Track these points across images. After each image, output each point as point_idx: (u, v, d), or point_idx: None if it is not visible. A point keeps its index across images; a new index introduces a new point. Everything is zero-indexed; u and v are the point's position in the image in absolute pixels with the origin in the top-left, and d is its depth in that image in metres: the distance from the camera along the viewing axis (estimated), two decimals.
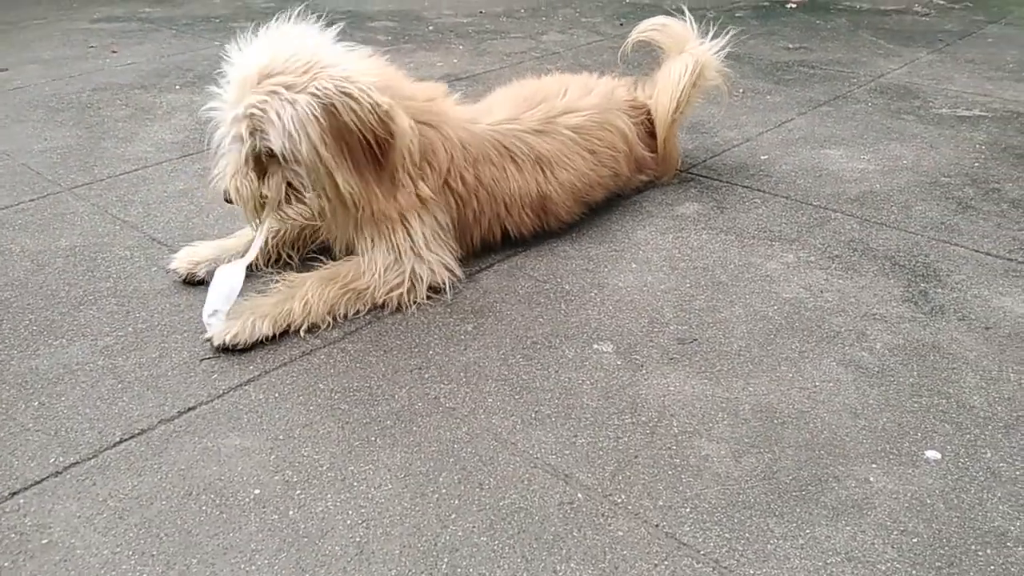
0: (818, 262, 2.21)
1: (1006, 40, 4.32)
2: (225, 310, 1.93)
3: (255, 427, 1.67)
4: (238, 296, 1.97)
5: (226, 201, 1.99)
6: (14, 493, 1.52)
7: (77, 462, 1.58)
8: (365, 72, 1.89)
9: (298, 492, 1.50)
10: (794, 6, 5.17)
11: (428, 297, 2.07)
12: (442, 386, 1.77)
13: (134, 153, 3.09)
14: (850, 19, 4.90)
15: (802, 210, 2.51)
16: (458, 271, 2.12)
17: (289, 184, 1.95)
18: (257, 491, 1.51)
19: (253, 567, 1.35)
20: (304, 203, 1.97)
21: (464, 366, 1.84)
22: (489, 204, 2.19)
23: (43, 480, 1.54)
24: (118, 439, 1.64)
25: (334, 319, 1.99)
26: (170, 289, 2.16)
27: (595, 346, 1.89)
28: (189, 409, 1.73)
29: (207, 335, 1.89)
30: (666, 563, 1.34)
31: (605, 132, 2.42)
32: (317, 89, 1.80)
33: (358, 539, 1.40)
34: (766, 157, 2.91)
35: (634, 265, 2.23)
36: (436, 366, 1.84)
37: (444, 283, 2.08)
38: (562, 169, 2.31)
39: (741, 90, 3.46)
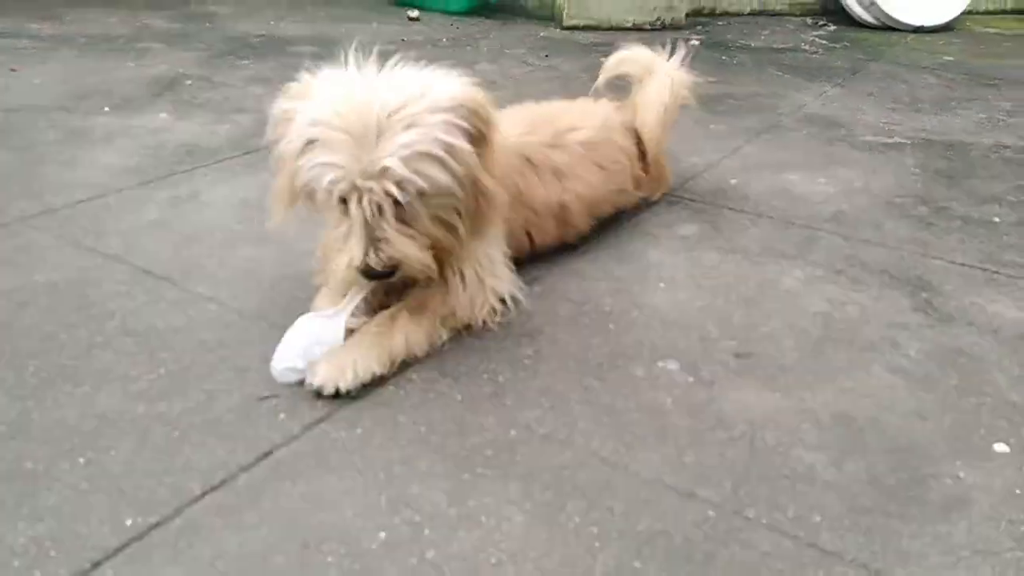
0: (826, 277, 2.36)
1: (890, 76, 4.80)
2: (302, 367, 1.78)
3: (349, 467, 1.56)
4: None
5: (377, 276, 1.77)
6: (96, 564, 1.34)
7: (159, 523, 1.42)
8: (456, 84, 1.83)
9: (427, 532, 1.42)
10: (696, 43, 5.50)
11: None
12: (527, 413, 1.73)
13: (83, 180, 2.81)
14: (751, 56, 5.27)
15: (790, 229, 2.67)
16: (521, 286, 2.09)
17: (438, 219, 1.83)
18: (383, 535, 1.41)
19: None
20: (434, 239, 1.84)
21: (541, 391, 1.81)
22: (521, 215, 2.19)
23: (125, 546, 1.37)
24: (198, 493, 1.48)
25: (432, 347, 1.92)
26: (189, 325, 1.99)
27: (659, 365, 1.92)
28: (266, 454, 1.59)
29: (315, 384, 1.73)
30: (820, 572, 1.38)
31: (610, 148, 2.48)
32: (450, 106, 1.73)
33: None
34: (735, 181, 3.07)
35: (661, 284, 2.28)
36: (513, 392, 1.80)
37: (516, 302, 2.04)
38: (577, 181, 2.34)
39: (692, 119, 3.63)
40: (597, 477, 1.56)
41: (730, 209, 2.81)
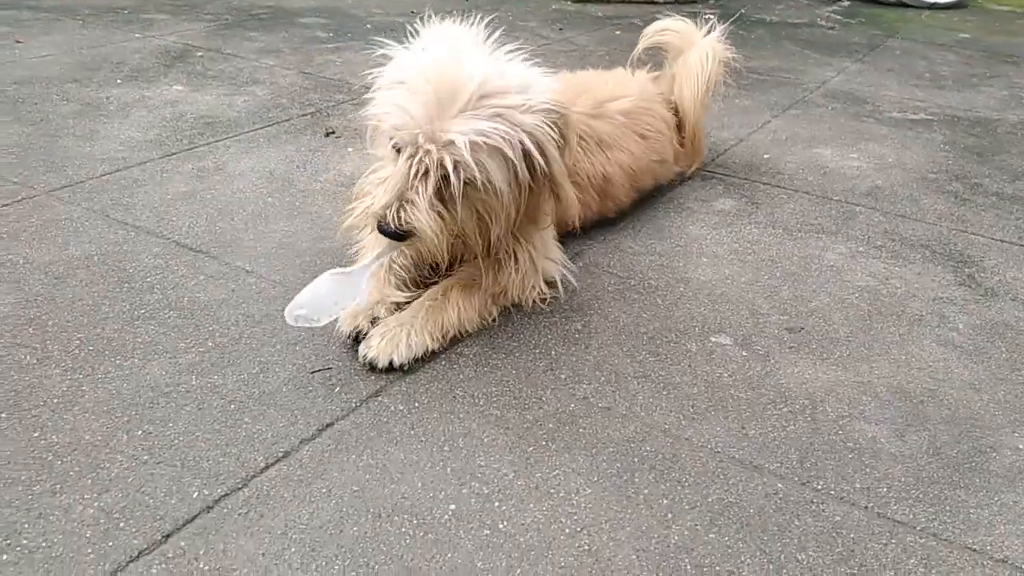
0: (868, 252, 2.34)
1: (908, 53, 4.77)
2: (315, 318, 1.74)
3: (412, 439, 1.54)
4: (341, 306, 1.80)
5: (388, 234, 1.68)
6: (167, 536, 1.32)
7: (227, 494, 1.40)
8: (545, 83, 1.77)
9: (497, 504, 1.41)
10: (711, 17, 5.43)
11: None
12: (584, 386, 1.72)
13: (104, 152, 2.76)
14: (768, 30, 5.23)
15: (827, 204, 2.65)
16: (571, 267, 2.06)
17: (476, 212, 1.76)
18: (453, 507, 1.40)
19: None
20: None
21: (595, 365, 1.79)
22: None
23: (196, 518, 1.35)
24: (263, 465, 1.46)
25: (483, 324, 1.89)
26: (232, 299, 1.95)
27: (712, 339, 1.90)
28: (327, 426, 1.57)
29: (366, 356, 1.71)
30: (893, 542, 1.37)
31: (651, 118, 2.45)
32: (546, 110, 1.69)
33: (587, 547, 1.33)
34: (768, 156, 3.05)
35: (704, 260, 2.26)
36: (567, 366, 1.78)
37: (566, 280, 2.01)
38: (619, 151, 2.31)
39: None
40: (662, 449, 1.55)
41: (765, 184, 2.79)
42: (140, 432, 1.53)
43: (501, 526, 1.36)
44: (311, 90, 3.54)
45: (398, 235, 1.67)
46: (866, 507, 1.44)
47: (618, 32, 4.96)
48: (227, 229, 2.30)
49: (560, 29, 4.97)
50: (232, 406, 1.60)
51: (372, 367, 1.71)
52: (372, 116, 1.73)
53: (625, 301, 2.04)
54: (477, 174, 1.62)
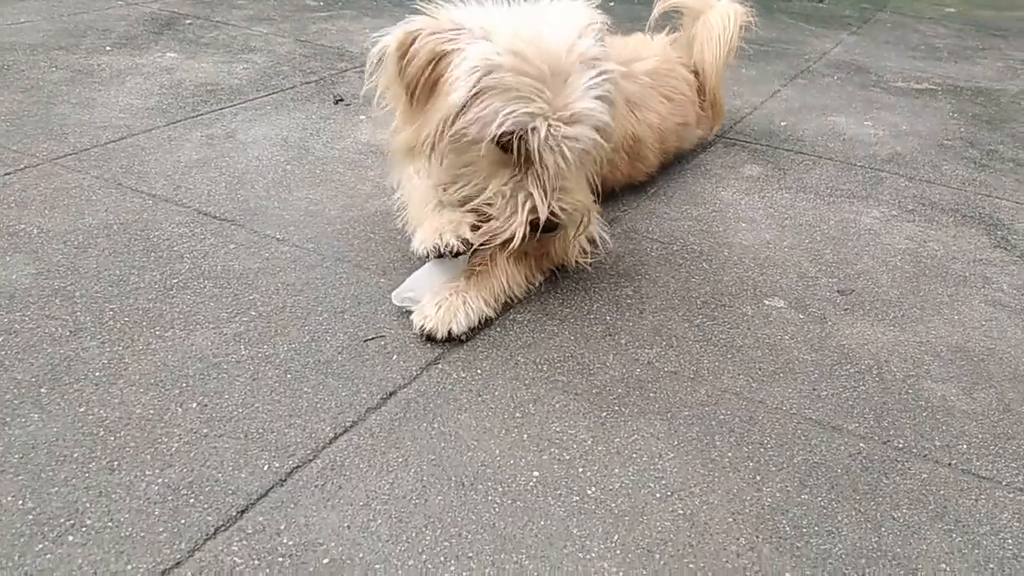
0: (901, 216, 2.33)
1: (900, 26, 4.79)
2: (418, 299, 1.70)
3: (480, 406, 1.48)
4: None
5: (547, 230, 1.64)
6: (243, 511, 1.24)
7: (299, 466, 1.32)
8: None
9: (580, 470, 1.36)
10: None
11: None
12: (647, 351, 1.67)
13: (105, 120, 2.62)
14: (759, 3, 5.18)
15: (852, 170, 2.63)
16: (607, 228, 2.01)
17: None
18: (536, 474, 1.34)
19: (592, 555, 1.20)
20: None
21: (654, 330, 1.74)
22: None
23: (270, 491, 1.27)
24: (332, 435, 1.39)
25: (529, 288, 1.83)
26: (268, 267, 1.87)
27: (766, 302, 1.87)
28: (391, 394, 1.50)
29: (423, 327, 1.64)
30: (983, 498, 1.36)
31: (674, 80, 2.41)
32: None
33: (682, 511, 1.29)
34: (784, 123, 3.03)
35: (743, 224, 2.23)
36: (625, 332, 1.73)
37: (603, 240, 1.96)
38: (647, 111, 2.26)
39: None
40: (737, 412, 1.51)
41: (788, 151, 2.76)
42: (195, 404, 1.44)
43: (590, 492, 1.31)
44: (311, 58, 3.42)
45: (554, 227, 1.64)
46: (950, 464, 1.42)
47: (612, 3, 4.89)
48: (249, 197, 2.20)
49: None
50: (288, 376, 1.53)
51: (430, 338, 1.64)
52: (461, 128, 1.58)
53: (671, 266, 2.00)
54: (604, 144, 1.59)
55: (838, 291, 1.93)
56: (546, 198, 1.60)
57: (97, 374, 1.50)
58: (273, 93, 2.98)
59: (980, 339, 1.78)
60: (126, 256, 1.87)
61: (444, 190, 1.74)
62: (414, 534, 1.22)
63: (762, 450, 1.43)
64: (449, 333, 1.63)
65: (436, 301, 1.67)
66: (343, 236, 2.03)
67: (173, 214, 2.07)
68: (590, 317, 1.77)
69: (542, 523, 1.25)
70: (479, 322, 1.69)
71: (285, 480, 1.30)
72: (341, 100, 2.94)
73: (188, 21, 3.84)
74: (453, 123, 1.59)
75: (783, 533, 1.26)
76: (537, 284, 1.84)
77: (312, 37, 3.73)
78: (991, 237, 2.24)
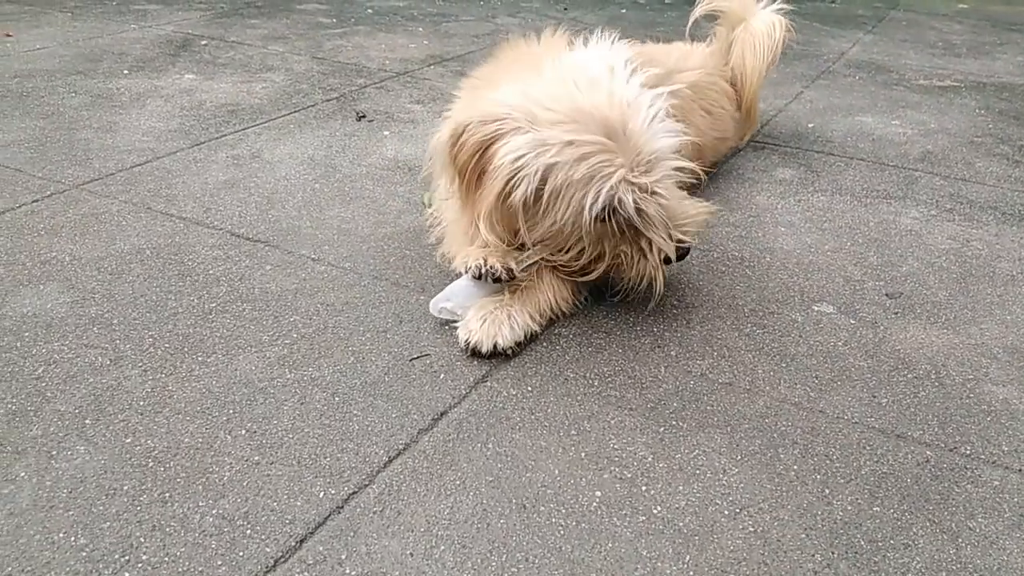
0: (940, 215, 2.29)
1: (915, 24, 4.76)
2: (458, 311, 1.69)
3: (534, 424, 1.45)
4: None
5: (681, 257, 1.71)
6: (302, 540, 1.21)
7: (355, 492, 1.29)
8: None
9: (644, 488, 1.32)
10: None
11: None
12: (698, 362, 1.63)
13: (128, 144, 2.61)
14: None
15: (885, 171, 2.59)
16: None
17: None
18: (599, 493, 1.30)
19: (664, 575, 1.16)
20: None
21: (703, 340, 1.71)
22: None
23: (327, 519, 1.24)
24: (386, 459, 1.36)
25: (575, 304, 1.79)
26: (306, 288, 1.84)
27: (815, 308, 1.83)
28: (442, 414, 1.47)
29: (468, 341, 1.61)
30: None
31: (715, 93, 2.37)
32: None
33: (752, 529, 1.25)
34: (812, 125, 2.99)
35: (782, 229, 2.19)
36: (674, 343, 1.69)
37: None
38: (688, 127, 2.22)
39: None
40: (798, 423, 1.47)
41: (818, 152, 2.73)
42: (243, 431, 1.41)
43: (655, 511, 1.27)
44: (329, 75, 3.41)
45: (688, 249, 1.69)
46: (1020, 470, 1.38)
47: (624, 11, 4.88)
48: (281, 217, 2.17)
49: (564, 9, 4.88)
50: (336, 399, 1.49)
51: (475, 352, 1.61)
52: (563, 219, 1.61)
53: (713, 274, 1.96)
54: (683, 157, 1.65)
55: (886, 294, 1.89)
56: (667, 235, 1.63)
57: (141, 403, 1.47)
58: (295, 111, 2.97)
59: None
60: (161, 281, 1.85)
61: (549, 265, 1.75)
62: (480, 560, 1.18)
63: (828, 462, 1.39)
64: (495, 347, 1.60)
65: (481, 315, 1.64)
66: (378, 254, 2.00)
67: (205, 237, 2.05)
68: (636, 329, 1.74)
69: (610, 545, 1.21)
70: (525, 337, 1.66)
71: (342, 507, 1.26)
72: (364, 116, 2.92)
73: (203, 42, 3.84)
74: (523, 211, 1.62)
75: (858, 548, 1.22)
76: (583, 300, 1.80)
77: (328, 54, 3.72)
78: None
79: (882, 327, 1.77)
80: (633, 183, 1.56)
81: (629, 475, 1.34)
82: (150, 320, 1.71)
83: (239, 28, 4.14)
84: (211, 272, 1.89)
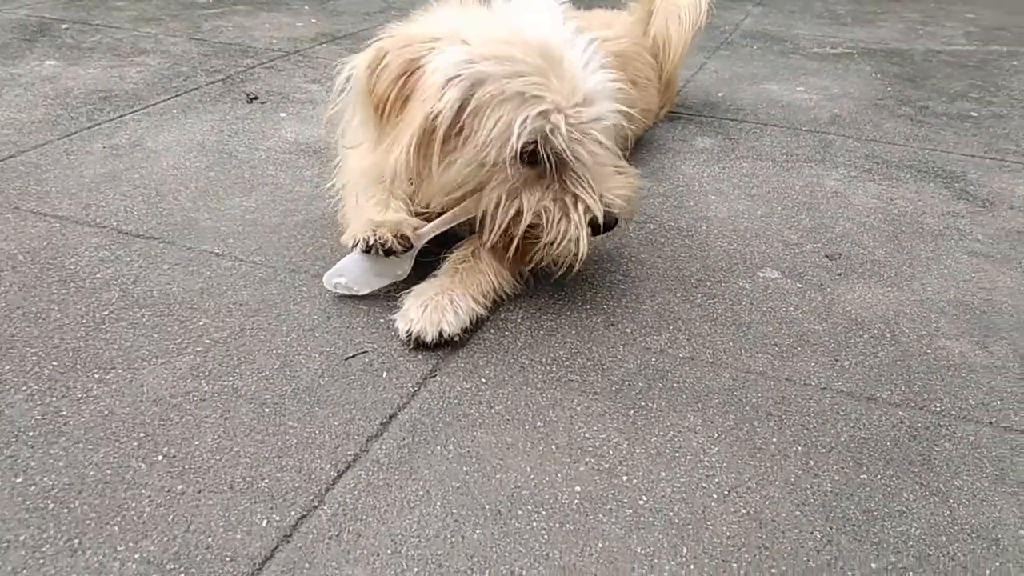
0: (860, 176, 2.30)
1: None
2: (355, 288, 1.57)
3: (496, 419, 1.31)
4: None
5: (609, 227, 1.52)
6: None
7: (304, 515, 1.12)
8: None
9: (624, 479, 1.21)
10: None
11: None
12: (655, 337, 1.54)
13: None
14: None
15: (800, 135, 2.60)
16: None
17: None
18: (578, 488, 1.19)
19: (664, 574, 1.06)
20: None
21: (656, 314, 1.62)
22: None
23: (275, 552, 1.07)
24: (334, 473, 1.19)
25: (517, 285, 1.65)
26: (213, 287, 1.63)
27: (760, 274, 1.78)
28: (391, 417, 1.31)
29: (410, 332, 1.45)
30: None
31: (641, 64, 2.29)
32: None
33: (746, 511, 1.16)
34: (721, 94, 2.97)
35: (712, 197, 2.14)
36: (627, 319, 1.60)
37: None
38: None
39: None
40: (768, 394, 1.40)
41: (733, 120, 2.70)
42: (160, 457, 1.21)
43: (642, 502, 1.17)
44: (211, 56, 3.12)
45: (613, 223, 1.51)
46: (991, 423, 1.36)
47: None
48: (174, 210, 1.93)
49: None
50: (266, 410, 1.31)
51: (419, 343, 1.45)
52: (479, 155, 1.44)
53: (653, 246, 1.88)
54: (626, 111, 1.51)
55: (826, 256, 1.86)
56: (594, 193, 1.45)
57: (31, 434, 1.24)
58: (177, 96, 2.69)
59: (975, 291, 1.75)
60: (40, 289, 1.59)
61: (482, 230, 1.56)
62: None
63: (805, 432, 1.32)
64: (440, 335, 1.45)
65: (420, 302, 1.49)
66: (292, 244, 1.81)
67: (88, 236, 1.79)
68: (586, 307, 1.63)
69: (600, 545, 1.09)
70: (470, 322, 1.52)
71: (291, 535, 1.09)
72: (256, 98, 2.68)
73: (64, 26, 3.45)
74: (443, 141, 1.42)
75: (854, 520, 1.16)
76: (525, 279, 1.68)
77: (207, 35, 3.42)
78: (951, 190, 2.24)
79: (829, 289, 1.73)
80: (568, 115, 1.42)
81: (607, 465, 1.23)
82: (31, 335, 1.46)
83: (103, 10, 3.76)
84: (98, 276, 1.65)
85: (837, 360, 1.50)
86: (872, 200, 2.15)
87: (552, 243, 1.49)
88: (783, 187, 2.21)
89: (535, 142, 1.42)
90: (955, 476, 1.24)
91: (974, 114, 2.84)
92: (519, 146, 1.41)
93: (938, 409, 1.39)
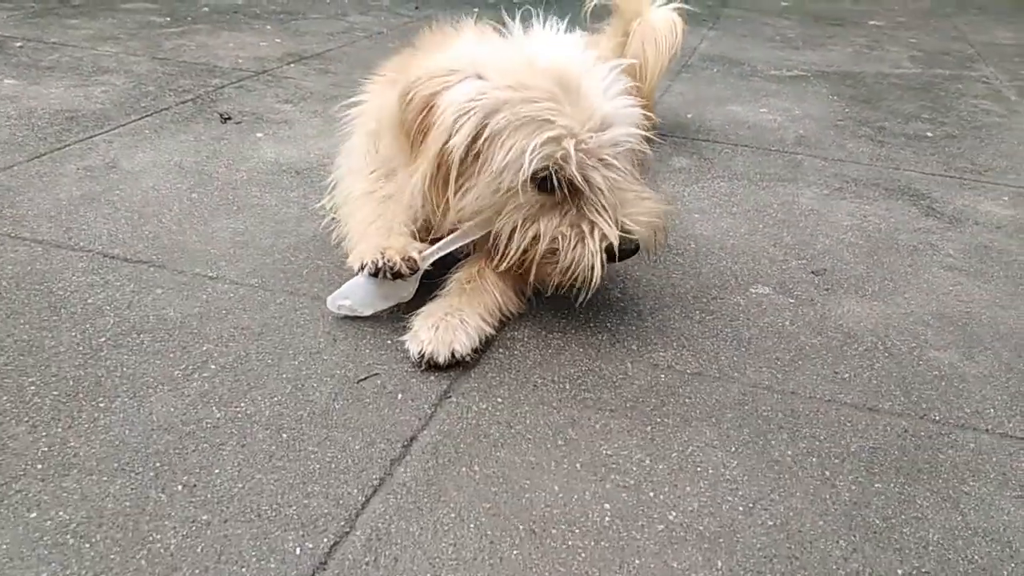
0: (832, 194, 2.39)
1: (749, 21, 5.04)
2: (359, 310, 1.57)
3: (516, 438, 1.32)
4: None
5: (628, 255, 1.52)
6: None
7: (337, 542, 1.10)
8: None
9: (651, 494, 1.22)
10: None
11: None
12: (661, 353, 1.57)
13: None
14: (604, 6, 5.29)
15: (771, 155, 2.68)
16: None
17: None
18: (607, 506, 1.20)
19: None
20: None
21: (659, 330, 1.65)
22: None
23: None
24: (362, 499, 1.18)
25: (521, 305, 1.66)
26: (212, 311, 1.60)
27: (752, 290, 1.82)
28: (412, 440, 1.30)
29: (421, 353, 1.44)
30: None
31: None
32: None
33: (772, 522, 1.19)
34: (690, 115, 3.05)
35: (696, 216, 2.19)
36: (631, 336, 1.62)
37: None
38: None
39: None
40: (777, 407, 1.44)
41: (704, 141, 2.77)
42: (180, 487, 1.17)
43: (672, 517, 1.18)
44: (177, 76, 3.06)
45: (635, 250, 1.51)
46: (988, 430, 1.42)
47: (476, 9, 4.80)
48: (160, 232, 1.89)
49: (416, 7, 4.73)
50: (284, 435, 1.28)
51: (431, 364, 1.45)
52: (493, 183, 1.45)
53: (646, 264, 1.91)
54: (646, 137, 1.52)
55: (812, 272, 1.92)
56: (611, 219, 1.46)
57: (39, 467, 1.19)
58: (147, 116, 2.63)
59: (955, 304, 1.82)
60: (29, 316, 1.53)
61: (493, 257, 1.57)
62: None
63: (817, 443, 1.36)
64: (452, 355, 1.45)
65: (431, 323, 1.48)
66: (287, 267, 1.78)
67: (73, 261, 1.73)
68: (590, 325, 1.65)
69: (637, 562, 1.10)
70: (480, 342, 1.52)
71: (326, 562, 1.07)
72: (230, 118, 2.64)
73: (18, 44, 3.34)
74: (459, 175, 1.45)
75: (876, 528, 1.19)
76: (527, 298, 1.68)
77: (170, 54, 3.35)
78: (919, 207, 2.34)
79: (819, 304, 1.78)
80: (581, 140, 1.43)
81: (632, 482, 1.24)
82: (25, 364, 1.40)
83: (58, 28, 3.65)
84: (89, 301, 1.60)
85: (836, 373, 1.55)
86: (847, 217, 2.23)
87: (568, 268, 1.50)
88: (761, 205, 2.27)
89: (548, 168, 1.43)
90: (962, 482, 1.29)
91: (929, 134, 2.98)
92: (531, 172, 1.42)
93: (937, 418, 1.44)
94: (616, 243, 1.48)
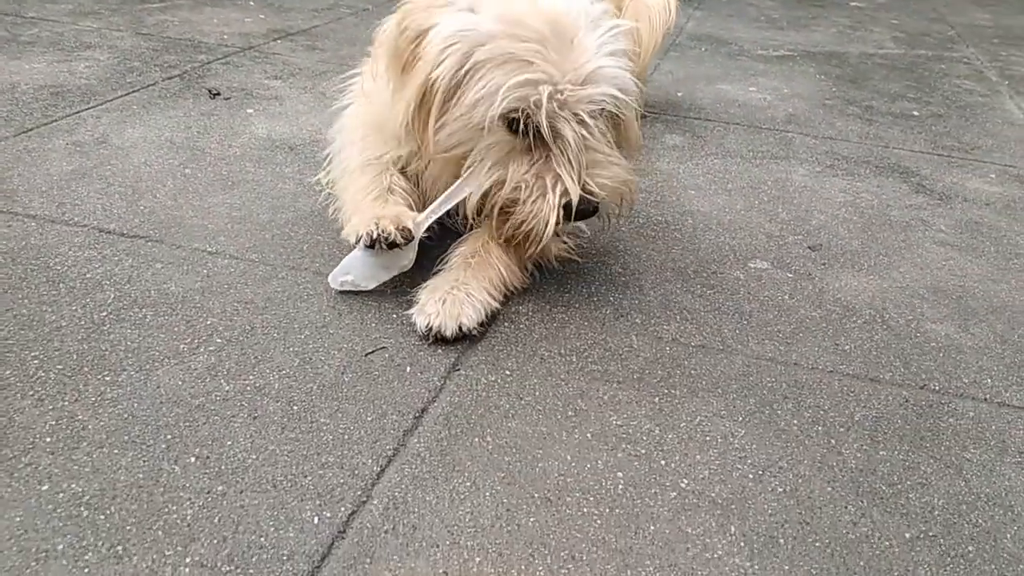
0: (824, 172, 2.41)
1: (732, 1, 5.04)
2: (361, 284, 1.57)
3: (527, 409, 1.32)
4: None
5: (586, 215, 1.49)
6: (311, 575, 1.01)
7: (354, 511, 1.11)
8: None
9: (663, 463, 1.24)
10: None
11: None
12: (665, 327, 1.58)
13: None
14: None
15: (762, 133, 2.69)
16: None
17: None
18: (620, 474, 1.21)
19: (718, 552, 1.09)
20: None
21: (661, 304, 1.66)
22: None
23: (332, 547, 1.05)
24: (377, 469, 1.18)
25: (525, 279, 1.66)
26: (212, 286, 1.58)
27: (751, 265, 1.84)
28: (423, 411, 1.30)
29: (429, 326, 1.44)
30: None
31: None
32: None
33: (782, 489, 1.21)
34: (680, 94, 3.05)
35: (692, 192, 2.20)
36: (635, 310, 1.63)
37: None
38: None
39: None
40: (781, 378, 1.46)
41: (696, 119, 2.78)
42: (193, 459, 1.16)
43: (684, 484, 1.20)
44: (162, 51, 3.01)
45: (594, 210, 1.47)
46: (986, 399, 1.45)
47: None
48: (155, 208, 1.86)
49: None
50: (295, 408, 1.28)
51: (439, 338, 1.44)
52: (463, 115, 1.44)
53: (646, 239, 1.92)
54: (634, 86, 1.46)
55: (808, 247, 1.94)
56: (576, 176, 1.43)
57: (48, 440, 1.17)
58: (134, 91, 2.58)
59: (948, 278, 1.85)
60: (28, 291, 1.51)
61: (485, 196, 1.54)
62: (523, 566, 1.04)
63: (822, 413, 1.38)
64: (460, 328, 1.45)
65: (438, 297, 1.48)
66: (286, 242, 1.77)
67: (69, 235, 1.71)
68: (594, 299, 1.65)
69: (652, 528, 1.12)
70: (486, 315, 1.52)
71: (344, 531, 1.07)
72: (219, 94, 2.60)
73: None
74: (441, 107, 1.43)
75: (882, 494, 1.21)
76: (530, 272, 1.68)
77: (154, 30, 3.29)
78: (909, 184, 2.37)
79: (817, 278, 1.81)
80: (559, 90, 1.41)
81: (643, 451, 1.26)
82: (27, 338, 1.38)
83: (36, 2, 3.57)
84: (88, 276, 1.57)
85: (837, 344, 1.57)
86: (840, 194, 2.26)
87: (522, 222, 1.48)
88: (756, 182, 2.29)
89: (519, 110, 1.42)
90: (964, 449, 1.32)
91: (915, 113, 3.01)
92: (500, 110, 1.40)
93: (937, 388, 1.47)
94: (575, 201, 1.45)
